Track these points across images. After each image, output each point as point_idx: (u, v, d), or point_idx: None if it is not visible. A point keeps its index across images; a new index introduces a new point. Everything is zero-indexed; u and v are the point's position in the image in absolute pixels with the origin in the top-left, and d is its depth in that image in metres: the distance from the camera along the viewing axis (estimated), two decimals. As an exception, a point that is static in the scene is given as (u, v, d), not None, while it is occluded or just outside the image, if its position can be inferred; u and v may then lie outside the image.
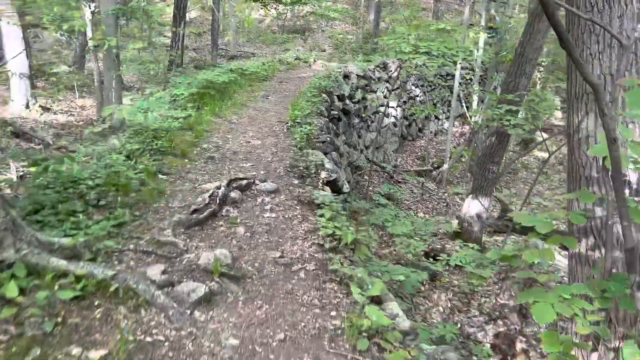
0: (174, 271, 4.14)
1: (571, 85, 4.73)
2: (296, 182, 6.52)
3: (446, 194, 13.84)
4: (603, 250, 4.80)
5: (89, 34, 13.89)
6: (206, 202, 5.48)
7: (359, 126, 13.65)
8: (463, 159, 15.49)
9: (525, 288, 8.85)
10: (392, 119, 15.87)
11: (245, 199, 5.88)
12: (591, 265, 4.71)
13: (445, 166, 14.41)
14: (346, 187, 8.20)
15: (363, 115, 14.09)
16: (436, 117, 18.00)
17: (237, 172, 6.68)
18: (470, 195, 10.78)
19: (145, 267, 4.11)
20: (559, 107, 19.46)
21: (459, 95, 14.65)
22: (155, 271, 4.02)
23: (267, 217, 5.48)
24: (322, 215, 5.42)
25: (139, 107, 8.05)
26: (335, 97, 11.73)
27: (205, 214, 5.23)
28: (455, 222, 12.27)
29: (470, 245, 10.39)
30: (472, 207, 10.73)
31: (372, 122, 14.78)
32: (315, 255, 4.74)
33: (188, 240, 4.79)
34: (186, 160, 6.91)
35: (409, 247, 7.91)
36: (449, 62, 9.17)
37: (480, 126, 15.09)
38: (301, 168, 6.81)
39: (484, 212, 10.76)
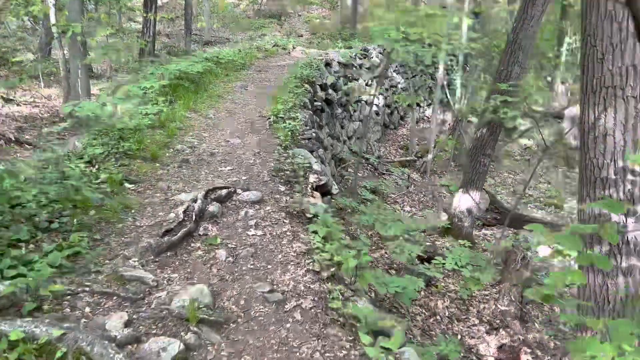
0: (140, 319, 3.26)
1: (587, 77, 4.06)
2: (283, 188, 5.66)
3: (431, 186, 13.11)
4: (619, 258, 4.25)
5: (53, 19, 12.74)
6: (180, 219, 4.60)
7: (342, 116, 12.80)
8: (447, 148, 14.76)
9: (526, 287, 8.20)
10: (375, 108, 15.04)
11: (225, 212, 5.01)
12: (605, 275, 4.13)
13: (430, 156, 13.67)
14: (335, 188, 7.38)
15: (346, 104, 13.23)
16: (418, 105, 17.21)
17: (215, 177, 5.79)
18: (461, 190, 10.04)
19: (103, 316, 3.22)
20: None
21: (443, 84, 13.87)
22: (116, 322, 3.13)
23: (252, 235, 4.62)
24: (315, 232, 4.59)
25: (104, 103, 7.07)
26: (317, 86, 10.85)
27: (179, 234, 4.35)
28: (444, 215, 11.57)
29: (462, 242, 9.73)
30: (463, 201, 10.00)
31: (355, 111, 13.94)
32: (312, 286, 3.90)
33: (158, 270, 3.91)
34: (157, 165, 5.99)
35: (404, 253, 7.13)
36: (441, 50, 8.35)
37: (464, 114, 14.37)
38: (288, 172, 5.94)
39: (474, 207, 10.05)
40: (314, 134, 7.96)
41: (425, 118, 17.88)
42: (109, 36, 17.89)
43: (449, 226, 10.04)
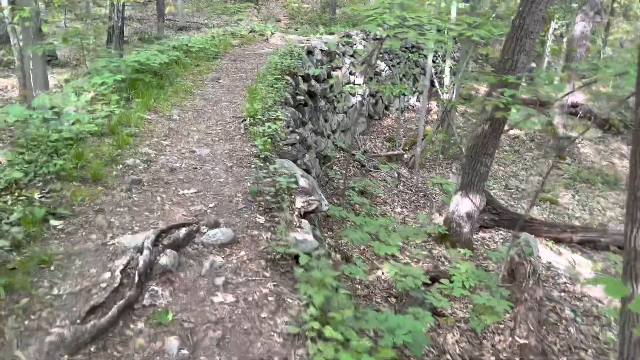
0: None
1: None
2: (262, 220, 4.17)
3: (421, 182, 11.73)
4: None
5: (4, 2, 10.92)
6: (116, 282, 3.09)
7: (325, 108, 11.28)
8: (433, 138, 13.35)
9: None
10: (359, 98, 13.53)
11: (184, 263, 3.50)
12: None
13: (418, 149, 12.27)
14: (325, 204, 5.90)
15: (329, 96, 11.70)
16: (402, 94, 15.74)
17: (174, 205, 4.27)
18: (459, 192, 8.66)
19: None
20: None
21: (432, 72, 12.41)
22: None
23: (220, 303, 3.13)
24: (308, 298, 3.13)
25: (39, 105, 5.46)
26: (299, 78, 9.29)
27: (110, 313, 2.85)
28: (439, 217, 10.20)
29: (462, 251, 8.38)
30: (462, 205, 8.63)
31: (338, 102, 12.41)
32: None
33: (71, 386, 2.42)
34: (100, 189, 4.43)
35: (406, 281, 5.72)
36: (444, 37, 6.84)
37: (453, 104, 12.96)
38: (268, 195, 4.45)
39: (475, 212, 8.69)
40: (297, 138, 6.46)
41: (409, 107, 16.44)
42: (73, 21, 15.99)
43: (447, 232, 8.67)
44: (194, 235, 3.77)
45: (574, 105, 16.10)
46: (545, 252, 9.46)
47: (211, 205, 4.31)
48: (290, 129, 6.76)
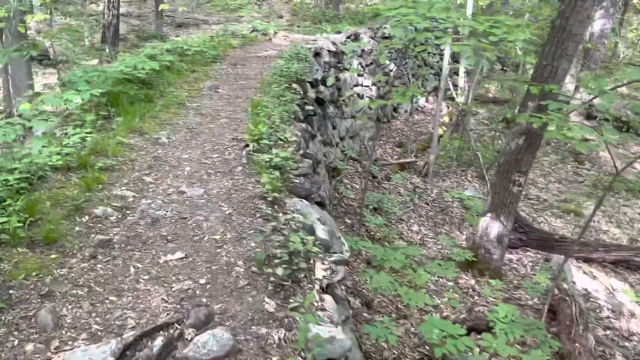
0: None
1: None
2: (271, 305, 2.90)
3: (437, 193, 10.45)
4: None
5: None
6: None
7: (333, 114, 9.98)
8: (448, 145, 12.05)
9: None
10: (367, 100, 12.21)
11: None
12: None
13: (432, 156, 10.98)
14: (346, 249, 4.66)
15: (337, 100, 10.39)
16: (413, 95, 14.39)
17: (151, 284, 3.00)
18: (489, 214, 7.39)
19: None
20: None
21: (447, 73, 11.09)
22: None
23: None
24: None
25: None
26: (307, 84, 7.99)
27: None
28: (459, 235, 8.95)
29: (493, 282, 7.15)
30: (492, 229, 7.37)
31: (346, 106, 11.11)
32: None
33: None
34: (53, 256, 3.16)
35: (447, 346, 4.47)
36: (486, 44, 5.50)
37: (469, 108, 11.65)
38: (280, 267, 3.17)
39: (506, 236, 7.43)
40: (310, 163, 5.18)
41: (418, 108, 15.12)
42: (68, 18, 14.61)
43: (474, 259, 7.42)
44: (175, 346, 2.50)
45: (590, 106, 14.77)
46: (579, 277, 8.23)
47: (202, 281, 3.04)
48: (301, 151, 5.47)
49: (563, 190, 11.72)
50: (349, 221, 8.16)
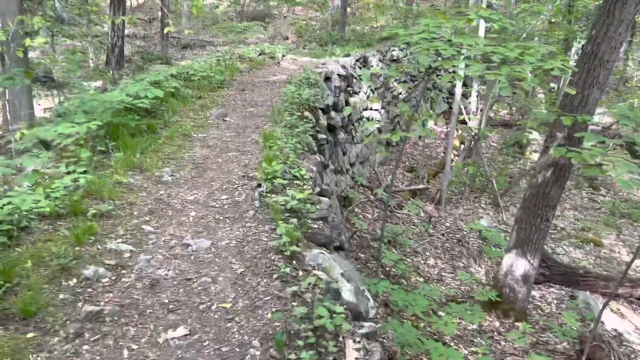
0: None
1: None
2: (296, 404, 2.30)
3: (451, 221, 9.85)
4: None
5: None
6: None
7: (344, 140, 9.42)
8: (462, 171, 11.46)
9: None
10: (377, 124, 11.68)
11: None
12: None
13: (445, 183, 10.40)
14: (372, 306, 4.04)
15: (347, 125, 9.84)
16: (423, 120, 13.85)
17: (149, 372, 2.40)
18: (514, 251, 6.78)
19: None
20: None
21: (459, 97, 10.54)
22: None
23: None
24: None
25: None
26: (319, 111, 7.44)
27: None
28: (477, 268, 8.32)
29: (520, 325, 6.50)
30: (517, 266, 6.75)
31: (356, 131, 10.57)
32: None
33: None
34: (29, 335, 2.54)
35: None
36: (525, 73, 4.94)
37: (482, 133, 11.09)
38: (304, 345, 2.56)
39: (532, 274, 6.81)
40: (329, 203, 4.59)
41: (427, 130, 14.56)
42: (73, 40, 14.16)
43: (498, 298, 6.78)
44: None
45: (604, 129, 14.22)
46: (607, 315, 7.57)
47: (210, 370, 2.43)
48: (318, 188, 4.90)
49: (580, 217, 11.10)
50: (362, 256, 7.56)
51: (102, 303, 2.84)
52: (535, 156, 13.80)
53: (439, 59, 5.44)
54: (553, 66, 4.98)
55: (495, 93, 11.55)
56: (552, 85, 16.07)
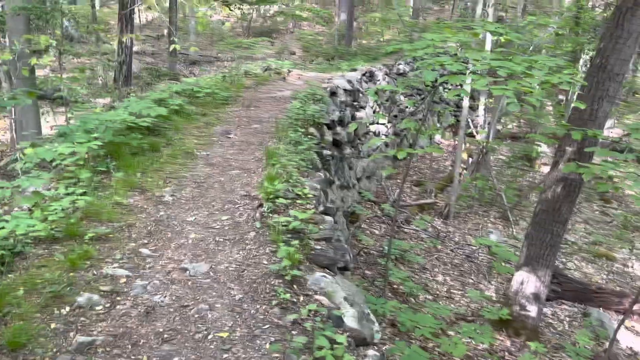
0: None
1: None
2: None
3: (460, 236, 9.65)
4: None
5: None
6: None
7: (350, 154, 9.30)
8: (471, 186, 11.28)
9: None
10: (383, 138, 11.56)
11: None
12: None
13: (453, 197, 10.23)
14: (376, 330, 3.88)
15: (354, 140, 9.74)
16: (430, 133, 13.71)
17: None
18: (525, 268, 6.58)
19: None
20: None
21: (467, 110, 10.40)
22: None
23: None
24: None
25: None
26: (324, 127, 7.35)
27: None
28: (488, 285, 8.12)
29: (532, 345, 6.27)
30: (528, 284, 6.54)
31: (362, 145, 10.46)
32: None
33: None
34: (17, 371, 2.45)
35: None
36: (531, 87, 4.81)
37: (490, 147, 10.93)
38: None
39: (544, 291, 6.60)
40: (333, 222, 4.46)
41: (434, 144, 14.42)
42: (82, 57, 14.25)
43: (509, 317, 6.57)
44: None
45: (613, 142, 13.98)
46: (622, 333, 7.32)
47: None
48: (321, 207, 4.77)
49: (591, 231, 10.86)
50: (369, 273, 7.39)
51: (94, 333, 2.72)
52: (544, 169, 13.59)
53: (445, 73, 5.36)
54: (561, 80, 4.85)
55: (503, 106, 11.41)
56: (560, 97, 15.89)
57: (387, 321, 6.05)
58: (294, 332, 2.76)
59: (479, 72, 5.11)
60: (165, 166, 5.09)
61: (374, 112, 11.25)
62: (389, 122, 11.95)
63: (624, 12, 5.75)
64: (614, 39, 5.82)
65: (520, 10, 11.57)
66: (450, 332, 6.14)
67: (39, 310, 2.82)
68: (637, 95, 16.31)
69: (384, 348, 5.23)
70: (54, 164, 4.46)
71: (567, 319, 7.50)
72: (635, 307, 7.88)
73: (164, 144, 5.67)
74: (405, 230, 9.33)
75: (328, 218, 4.50)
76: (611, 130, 13.38)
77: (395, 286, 7.13)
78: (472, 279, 8.16)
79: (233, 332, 2.78)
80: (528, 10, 14.75)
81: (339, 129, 8.28)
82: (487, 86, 4.80)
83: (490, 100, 11.11)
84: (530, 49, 11.38)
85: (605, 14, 13.81)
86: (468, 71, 5.23)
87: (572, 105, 6.14)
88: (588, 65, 15.45)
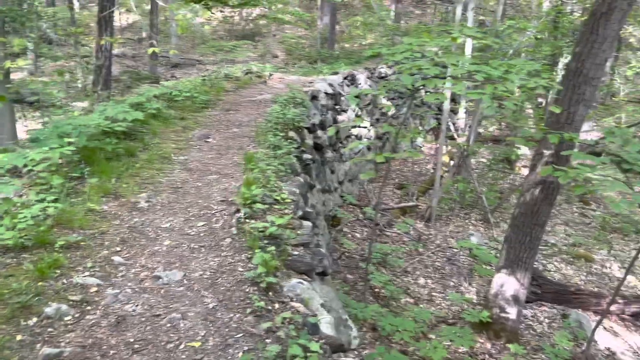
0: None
1: None
2: None
3: (441, 239, 9.69)
4: None
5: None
6: None
7: (332, 158, 9.29)
8: (452, 189, 11.33)
9: None
10: (366, 141, 11.57)
11: None
12: None
13: (435, 200, 10.27)
14: (355, 335, 3.87)
15: (335, 143, 9.73)
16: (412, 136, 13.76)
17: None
18: (504, 271, 6.62)
19: None
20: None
21: (448, 113, 10.46)
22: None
23: None
24: None
25: None
26: (305, 131, 7.31)
27: None
28: (468, 287, 8.15)
29: (512, 347, 6.31)
30: (508, 286, 6.59)
31: (344, 148, 10.44)
32: None
33: None
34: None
35: None
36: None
37: (471, 150, 11.01)
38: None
39: (523, 293, 6.65)
40: (310, 227, 4.42)
41: (417, 148, 14.48)
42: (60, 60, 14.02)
43: (488, 319, 6.60)
44: None
45: (590, 146, 14.17)
46: (600, 334, 7.40)
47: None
48: (300, 212, 4.73)
49: (570, 233, 10.98)
50: (350, 277, 7.37)
51: (62, 344, 2.65)
52: (524, 171, 13.72)
53: (423, 77, 5.37)
54: (537, 84, 4.89)
55: (483, 109, 11.50)
56: (540, 100, 16.08)
57: (368, 325, 6.04)
58: (267, 341, 2.72)
59: (460, 76, 5.12)
60: (141, 171, 5.02)
61: (356, 115, 11.25)
62: (371, 125, 11.97)
63: (598, 17, 5.82)
64: (590, 44, 5.89)
65: (500, 15, 11.68)
66: (432, 336, 6.15)
67: (5, 321, 2.74)
68: (614, 98, 16.58)
69: (363, 353, 5.21)
70: (25, 170, 4.36)
71: (547, 320, 7.56)
72: (612, 308, 7.99)
73: (141, 148, 5.59)
74: (387, 233, 9.34)
75: (306, 223, 4.46)
76: (590, 133, 13.56)
77: (376, 290, 7.13)
78: (453, 282, 8.19)
79: (205, 342, 2.73)
80: (508, 14, 14.92)
81: (320, 132, 8.26)
82: (465, 91, 4.84)
83: (471, 103, 11.19)
84: (510, 52, 11.49)
85: (583, 18, 14.00)
86: (447, 75, 5.25)
87: (549, 108, 6.21)
88: (565, 70, 15.66)
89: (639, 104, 16.12)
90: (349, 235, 8.63)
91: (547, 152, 6.18)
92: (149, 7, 18.08)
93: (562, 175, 4.85)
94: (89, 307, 2.95)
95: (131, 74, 15.49)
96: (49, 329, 2.75)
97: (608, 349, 7.10)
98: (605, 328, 7.61)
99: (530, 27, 12.23)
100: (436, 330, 6.24)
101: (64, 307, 2.90)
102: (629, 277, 9.39)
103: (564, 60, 15.40)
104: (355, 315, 5.33)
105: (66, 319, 2.84)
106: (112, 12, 13.46)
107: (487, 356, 6.31)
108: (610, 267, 9.82)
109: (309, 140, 7.50)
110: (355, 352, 3.81)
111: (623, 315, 8.05)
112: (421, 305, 7.01)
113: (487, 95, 4.56)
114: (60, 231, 3.69)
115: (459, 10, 9.64)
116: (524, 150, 13.43)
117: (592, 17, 5.96)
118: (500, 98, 4.96)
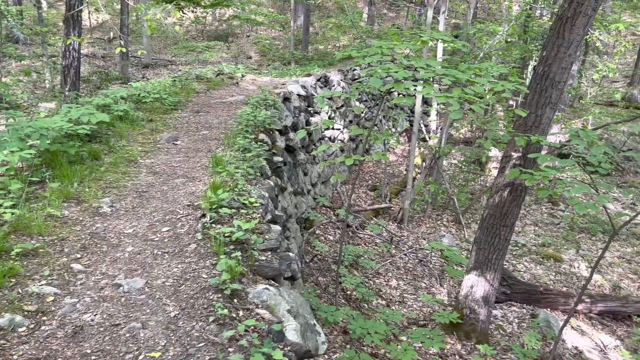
0: None
1: None
2: None
3: (413, 240, 9.75)
4: None
5: None
6: None
7: (305, 160, 9.24)
8: (424, 190, 11.41)
9: None
10: (339, 143, 11.58)
11: None
12: None
13: (407, 202, 10.32)
14: (323, 341, 3.83)
15: (309, 145, 9.70)
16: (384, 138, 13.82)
17: None
18: (474, 272, 6.68)
19: None
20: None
21: (420, 115, 10.53)
22: None
23: None
24: None
25: None
26: (276, 133, 7.25)
27: None
28: (440, 289, 8.21)
29: (481, 347, 6.37)
30: (477, 287, 6.65)
31: (317, 150, 10.40)
32: None
33: None
34: None
35: None
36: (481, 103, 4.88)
37: (443, 152, 11.11)
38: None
39: (492, 294, 6.72)
40: (279, 231, 4.37)
41: (389, 150, 14.56)
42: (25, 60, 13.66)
43: (459, 320, 6.65)
44: None
45: (563, 145, 14.46)
46: (568, 332, 7.55)
47: None
48: (269, 216, 4.68)
49: (540, 233, 11.18)
50: (322, 279, 7.34)
51: (14, 357, 2.54)
52: (495, 172, 13.91)
53: (392, 81, 5.37)
54: (504, 88, 4.95)
55: (450, 113, 11.61)
56: (511, 102, 16.35)
57: (338, 329, 6.02)
58: (230, 350, 2.66)
59: (431, 79, 5.14)
60: (105, 175, 4.89)
61: (329, 117, 11.24)
62: (344, 127, 11.98)
63: (564, 22, 5.92)
64: (556, 48, 5.99)
65: (471, 18, 11.82)
66: (403, 337, 6.17)
67: (-47, 335, 2.62)
68: (582, 101, 16.97)
69: (334, 357, 5.18)
70: (-19, 174, 4.20)
71: (516, 320, 7.66)
72: (579, 307, 8.15)
73: (106, 151, 5.45)
74: (360, 235, 9.35)
75: (275, 227, 4.41)
76: (558, 135, 13.84)
77: (348, 292, 7.11)
78: (425, 283, 8.24)
79: (166, 352, 2.66)
80: (479, 17, 15.13)
81: (292, 134, 8.21)
82: (433, 94, 4.86)
83: (443, 106, 11.30)
84: (481, 55, 11.65)
85: (551, 22, 14.29)
86: (416, 78, 5.26)
87: (516, 111, 6.29)
88: (532, 74, 15.95)
89: (606, 106, 16.54)
90: (322, 238, 8.60)
91: (515, 155, 6.26)
92: (119, 6, 17.76)
93: (529, 178, 4.93)
94: (44, 318, 2.85)
95: (101, 74, 15.17)
96: (1, 341, 2.64)
97: (575, 347, 7.23)
98: (572, 327, 7.76)
99: (500, 31, 12.42)
100: (407, 332, 6.26)
101: (18, 317, 2.79)
102: (596, 276, 9.60)
103: (533, 64, 15.71)
104: (326, 318, 5.30)
105: (20, 330, 2.73)
106: (80, 11, 13.15)
107: (457, 357, 6.35)
108: (578, 267, 10.02)
109: (281, 143, 7.44)
110: (325, 357, 3.78)
111: (590, 314, 8.22)
112: (393, 307, 7.02)
113: (454, 99, 4.59)
114: (18, 238, 3.56)
115: (430, 13, 9.71)
116: (495, 152, 13.63)
117: (558, 21, 6.05)
118: (469, 101, 5.00)
